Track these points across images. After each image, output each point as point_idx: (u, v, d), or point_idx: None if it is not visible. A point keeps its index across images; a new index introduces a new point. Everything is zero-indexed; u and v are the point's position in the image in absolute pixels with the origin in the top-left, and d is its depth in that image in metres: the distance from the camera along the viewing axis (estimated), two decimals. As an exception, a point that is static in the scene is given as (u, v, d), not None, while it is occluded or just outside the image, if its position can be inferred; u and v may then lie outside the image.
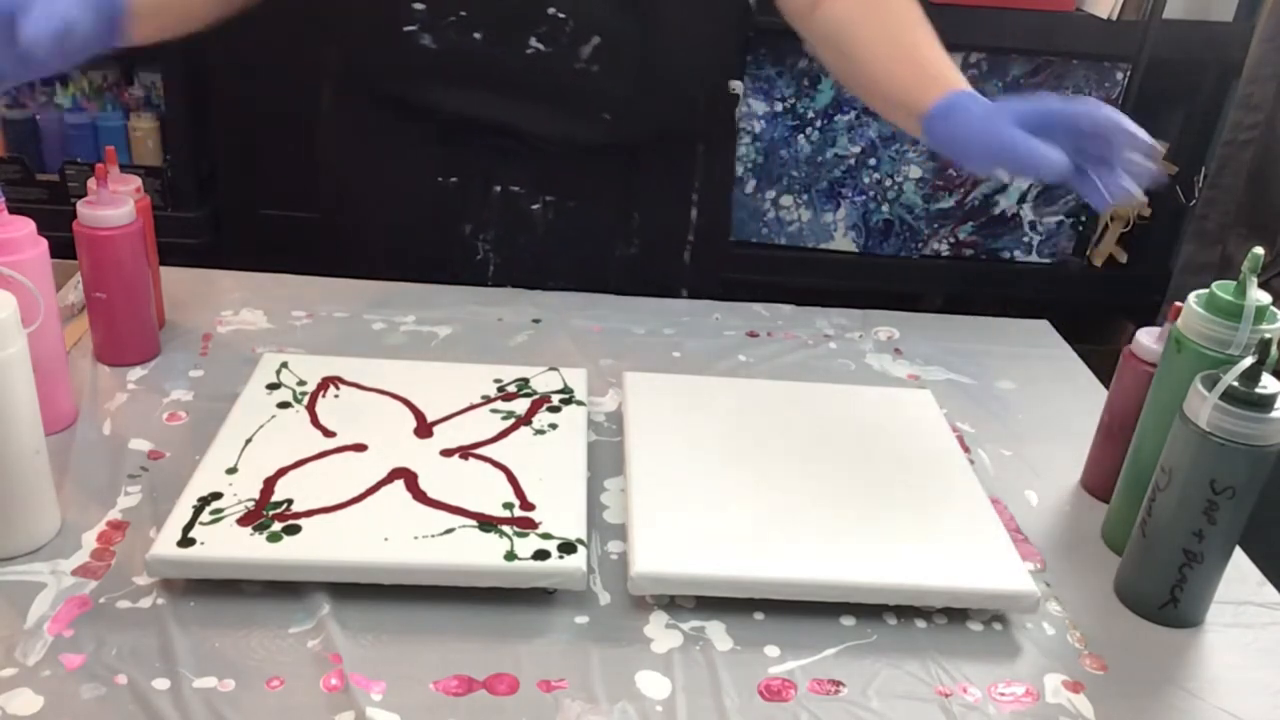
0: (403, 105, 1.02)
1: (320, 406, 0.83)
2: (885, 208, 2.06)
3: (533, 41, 0.95)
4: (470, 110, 0.99)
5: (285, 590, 0.68)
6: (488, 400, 0.85)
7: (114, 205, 0.84)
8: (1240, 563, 0.79)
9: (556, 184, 1.06)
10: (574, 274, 1.10)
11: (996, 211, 2.09)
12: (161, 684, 0.61)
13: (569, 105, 1.00)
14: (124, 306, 0.88)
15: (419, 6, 0.94)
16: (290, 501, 0.71)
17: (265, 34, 1.02)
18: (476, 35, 0.95)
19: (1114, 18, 1.87)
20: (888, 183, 2.03)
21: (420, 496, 0.73)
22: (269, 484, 0.73)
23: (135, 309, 0.89)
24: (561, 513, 0.72)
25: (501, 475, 0.76)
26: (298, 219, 1.67)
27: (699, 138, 1.12)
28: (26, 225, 0.77)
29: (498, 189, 1.05)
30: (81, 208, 0.85)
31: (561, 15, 0.94)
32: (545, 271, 1.09)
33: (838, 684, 0.65)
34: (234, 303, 1.02)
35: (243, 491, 0.72)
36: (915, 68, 0.88)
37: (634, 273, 1.12)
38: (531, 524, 0.71)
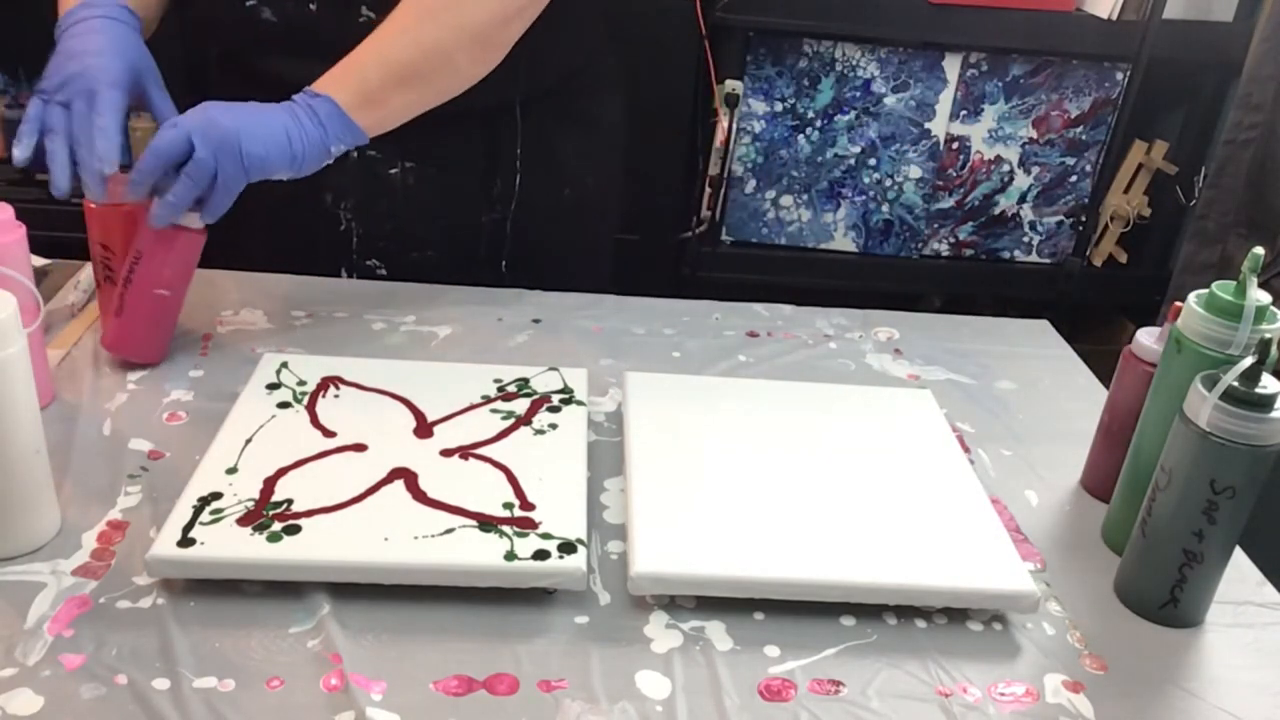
0: (252, 76, 1.02)
1: (320, 406, 0.83)
2: (885, 208, 2.06)
3: (364, 10, 0.96)
4: (306, 75, 0.95)
5: (285, 590, 0.68)
6: (488, 400, 0.85)
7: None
8: (1240, 563, 0.79)
9: (414, 149, 1.05)
10: (442, 243, 1.09)
11: (996, 211, 2.09)
12: (161, 684, 0.61)
13: None
14: (175, 306, 0.91)
15: None
16: (290, 501, 0.71)
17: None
18: (312, 6, 0.96)
19: (1114, 18, 1.87)
20: (888, 183, 2.03)
21: (420, 496, 0.73)
22: (269, 484, 0.73)
23: (177, 309, 0.92)
24: (561, 513, 0.72)
25: (501, 475, 0.76)
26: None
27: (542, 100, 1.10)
28: (4, 210, 0.79)
29: (354, 154, 1.02)
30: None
31: None
32: (409, 241, 1.08)
33: (838, 684, 0.65)
34: (234, 303, 1.02)
35: (243, 491, 0.72)
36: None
37: (505, 238, 1.11)
38: (531, 524, 0.71)
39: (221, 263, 1.05)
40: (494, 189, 1.10)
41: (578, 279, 1.13)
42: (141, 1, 0.99)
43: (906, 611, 0.71)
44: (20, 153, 0.88)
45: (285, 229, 1.08)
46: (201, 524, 0.68)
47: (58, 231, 1.06)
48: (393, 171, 1.06)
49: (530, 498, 0.74)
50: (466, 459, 0.78)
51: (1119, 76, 1.98)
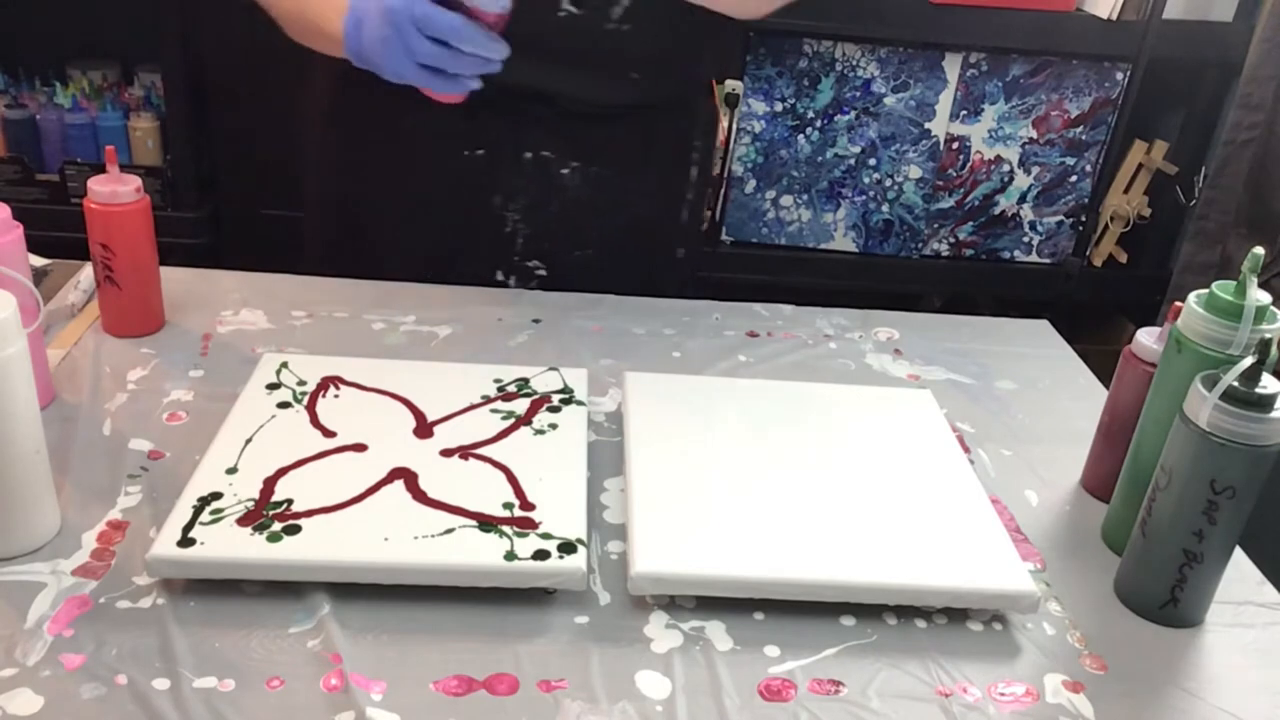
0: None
1: (320, 406, 0.83)
2: (885, 208, 2.06)
3: (565, 3, 0.96)
4: (502, 76, 0.96)
5: (285, 590, 0.68)
6: (488, 400, 0.85)
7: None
8: (1240, 563, 0.79)
9: (584, 148, 1.06)
10: (592, 237, 1.10)
11: (996, 211, 2.09)
12: (161, 684, 0.61)
13: (600, 67, 1.00)
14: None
15: None
16: (290, 501, 0.71)
17: (266, 32, 1.02)
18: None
19: (1114, 18, 1.87)
20: (888, 183, 2.03)
21: (420, 496, 0.73)
22: (269, 484, 0.73)
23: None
24: (561, 513, 0.72)
25: (501, 475, 0.76)
26: (298, 219, 1.67)
27: (702, 97, 1.14)
28: (2, 210, 0.78)
29: (528, 155, 1.05)
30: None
31: None
32: (574, 238, 1.09)
33: (838, 684, 0.65)
34: (234, 303, 1.02)
35: (243, 491, 0.72)
36: None
37: (637, 231, 1.12)
38: (531, 524, 0.71)
39: (370, 265, 1.07)
40: (642, 183, 1.10)
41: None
42: None
43: (906, 611, 0.71)
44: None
45: (444, 231, 1.08)
46: (201, 524, 0.68)
47: (58, 231, 1.07)
48: (564, 171, 1.06)
49: (530, 498, 0.74)
50: (466, 459, 0.78)
51: (1119, 76, 1.98)
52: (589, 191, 1.07)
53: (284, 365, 0.87)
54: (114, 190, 0.89)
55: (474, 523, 0.71)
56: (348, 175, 1.11)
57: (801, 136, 1.99)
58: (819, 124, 1.98)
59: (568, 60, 0.99)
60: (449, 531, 0.70)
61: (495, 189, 1.06)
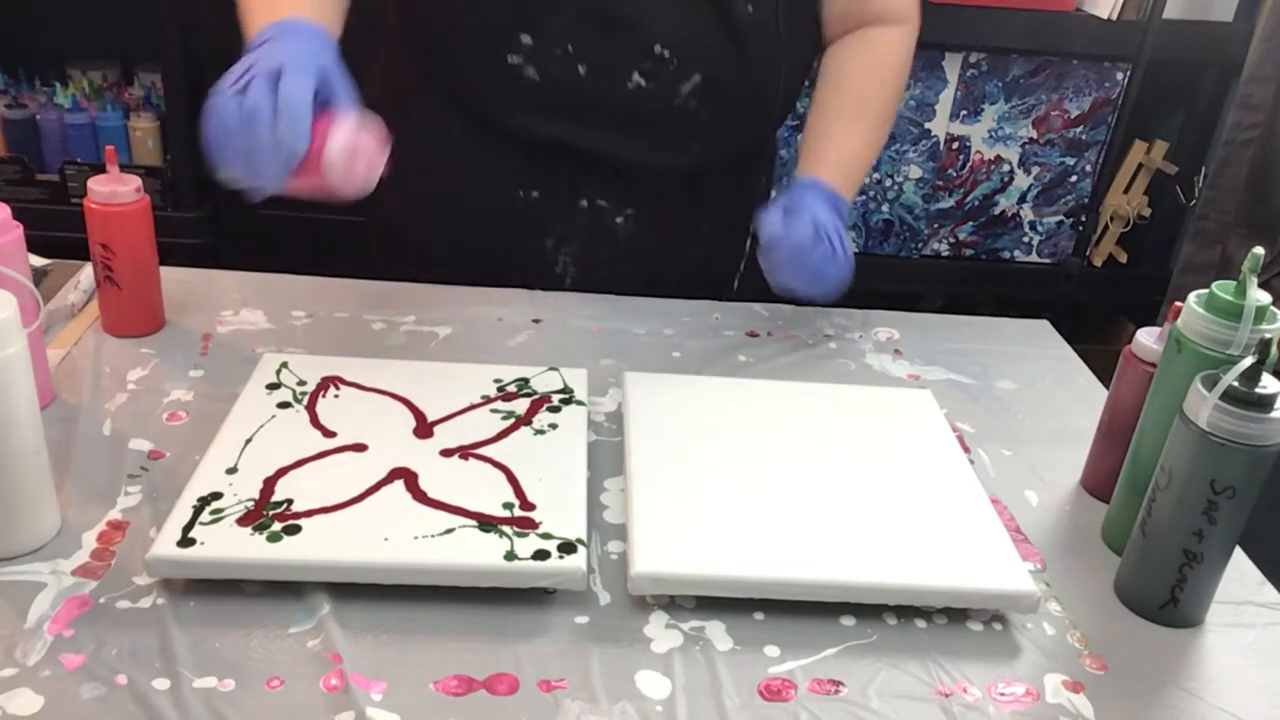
0: (489, 123, 1.03)
1: (320, 406, 0.83)
2: (885, 208, 2.06)
3: (635, 77, 0.97)
4: (564, 137, 1.01)
5: (285, 590, 0.68)
6: (488, 400, 0.85)
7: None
8: (1240, 563, 0.79)
9: (639, 197, 1.07)
10: (642, 278, 1.11)
11: (996, 211, 2.09)
12: (161, 684, 0.61)
13: (663, 136, 1.02)
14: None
15: (526, 40, 0.95)
16: (290, 501, 0.71)
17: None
18: (580, 69, 0.96)
19: (1114, 18, 1.87)
20: (888, 183, 2.03)
21: (420, 496, 0.73)
22: (269, 484, 0.73)
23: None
24: (561, 513, 0.72)
25: (501, 475, 0.76)
26: (298, 219, 1.67)
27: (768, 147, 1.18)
28: (1, 210, 0.78)
29: (584, 204, 1.06)
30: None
31: (667, 53, 0.96)
32: (619, 279, 1.10)
33: (838, 684, 0.65)
34: (234, 303, 1.02)
35: (243, 491, 0.72)
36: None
37: (696, 274, 1.14)
38: (531, 524, 0.71)
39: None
40: (701, 229, 1.12)
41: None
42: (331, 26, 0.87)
43: (906, 611, 0.71)
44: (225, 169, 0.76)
45: (492, 265, 1.09)
46: (201, 524, 0.68)
47: (58, 231, 1.07)
48: (618, 220, 1.08)
49: (530, 498, 0.74)
50: (466, 459, 0.78)
51: (1119, 76, 1.98)
52: (642, 240, 1.09)
53: (284, 365, 0.87)
54: (114, 190, 0.89)
55: (474, 523, 0.71)
56: (398, 193, 1.10)
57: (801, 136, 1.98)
58: (819, 124, 1.98)
59: (632, 128, 1.01)
60: (449, 531, 0.70)
61: (548, 232, 1.08)
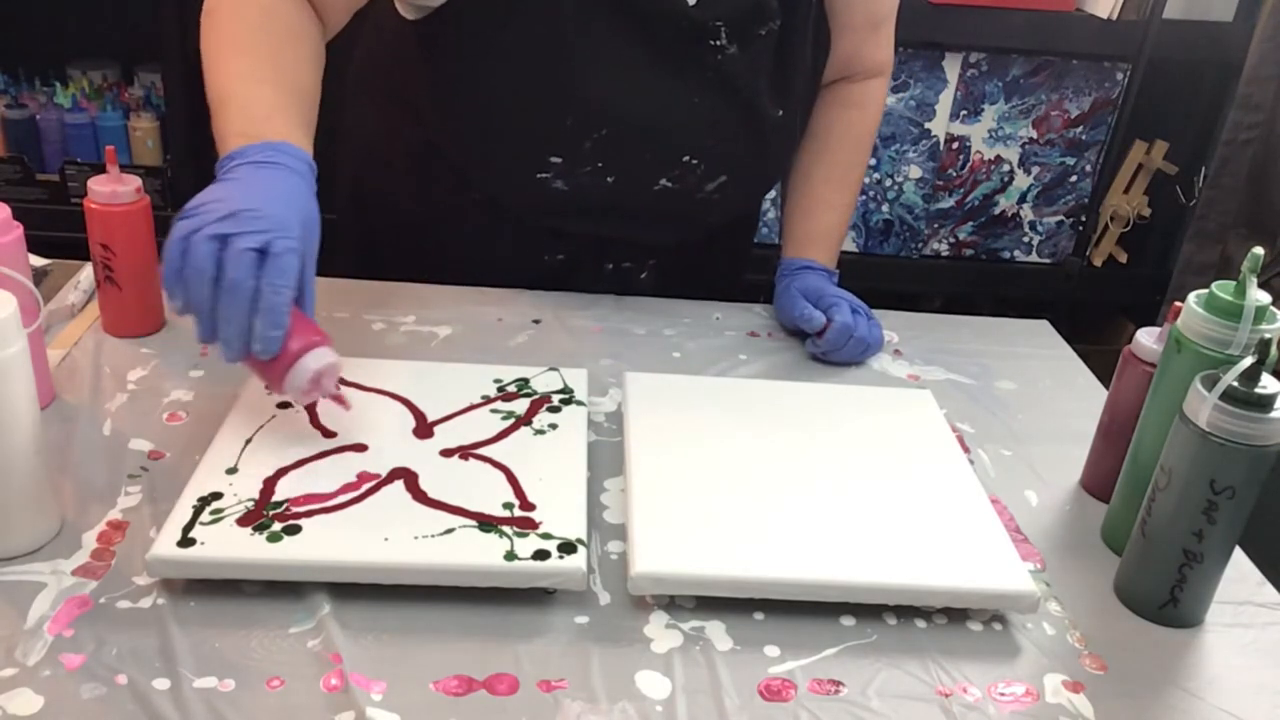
0: (522, 223, 1.05)
1: (320, 407, 0.82)
2: (885, 208, 2.06)
3: (662, 181, 1.00)
4: (591, 230, 1.05)
5: (285, 590, 0.68)
6: (488, 400, 0.85)
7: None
8: (1240, 563, 0.79)
9: (660, 255, 1.11)
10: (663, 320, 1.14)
11: (996, 211, 2.09)
12: (161, 684, 0.61)
13: (687, 224, 1.07)
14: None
15: (556, 160, 0.97)
16: (290, 501, 0.71)
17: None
18: (609, 179, 0.99)
19: (1114, 18, 1.87)
20: (888, 183, 2.03)
21: (420, 496, 0.73)
22: (269, 484, 0.73)
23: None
24: (561, 513, 0.72)
25: (501, 475, 0.76)
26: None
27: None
28: (1, 210, 0.78)
29: (609, 267, 1.10)
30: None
31: (695, 161, 0.99)
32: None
33: (838, 684, 0.65)
34: (234, 303, 1.02)
35: (243, 491, 0.72)
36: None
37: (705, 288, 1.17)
38: (531, 524, 0.71)
39: None
40: (716, 275, 1.18)
41: None
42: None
43: (906, 611, 0.71)
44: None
45: None
46: (201, 524, 0.68)
47: (58, 231, 1.07)
48: (643, 276, 1.11)
49: (530, 498, 0.74)
50: (466, 459, 0.78)
51: (1119, 76, 1.98)
52: (663, 287, 1.12)
53: (284, 365, 0.87)
54: (114, 190, 0.89)
55: (474, 523, 0.71)
56: (422, 248, 1.11)
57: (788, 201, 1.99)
58: (819, 124, 1.98)
59: (656, 220, 1.04)
60: (449, 531, 0.70)
61: (572, 287, 1.09)
